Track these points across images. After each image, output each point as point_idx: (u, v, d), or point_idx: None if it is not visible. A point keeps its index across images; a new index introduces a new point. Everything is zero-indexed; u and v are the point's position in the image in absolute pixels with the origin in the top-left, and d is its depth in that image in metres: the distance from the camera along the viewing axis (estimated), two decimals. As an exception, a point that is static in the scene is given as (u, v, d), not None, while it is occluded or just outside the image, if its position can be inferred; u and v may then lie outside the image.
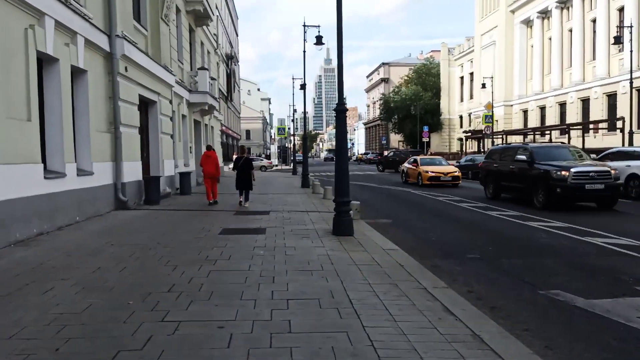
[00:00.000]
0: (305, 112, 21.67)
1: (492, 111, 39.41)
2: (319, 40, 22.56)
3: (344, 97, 8.86)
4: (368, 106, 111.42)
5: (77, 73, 10.27)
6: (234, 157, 25.91)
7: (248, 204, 13.13)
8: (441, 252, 7.80)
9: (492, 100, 41.79)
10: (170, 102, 17.07)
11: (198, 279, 5.39)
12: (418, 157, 24.61)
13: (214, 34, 30.53)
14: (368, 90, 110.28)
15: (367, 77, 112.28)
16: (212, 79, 24.50)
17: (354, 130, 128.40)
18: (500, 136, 42.95)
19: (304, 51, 24.42)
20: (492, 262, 6.98)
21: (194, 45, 23.39)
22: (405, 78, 78.25)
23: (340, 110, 8.32)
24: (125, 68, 12.16)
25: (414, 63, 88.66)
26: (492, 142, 38.98)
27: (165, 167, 15.90)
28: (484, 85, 42.61)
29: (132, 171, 12.53)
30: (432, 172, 21.58)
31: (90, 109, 10.55)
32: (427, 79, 72.68)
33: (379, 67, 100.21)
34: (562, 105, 43.50)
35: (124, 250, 7.12)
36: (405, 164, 25.06)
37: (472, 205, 13.84)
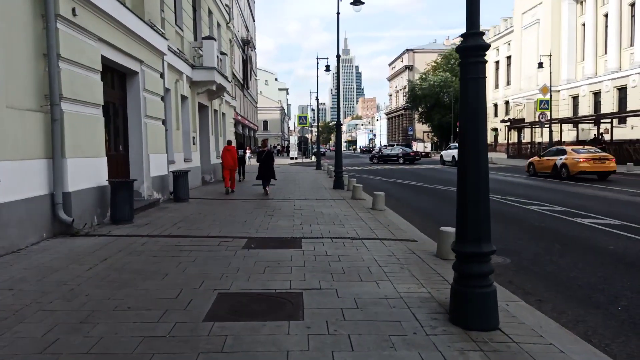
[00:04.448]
0: (338, 91, 16.99)
1: (550, 94, 34.22)
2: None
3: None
4: (390, 95, 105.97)
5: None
6: (247, 150, 24.67)
7: (269, 188, 14.41)
8: None
9: (550, 82, 36.64)
10: (162, 75, 12.57)
11: None
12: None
13: (227, 5, 25.95)
14: (390, 79, 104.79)
15: (390, 65, 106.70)
16: (222, 53, 19.96)
17: (376, 120, 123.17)
18: (557, 124, 37.72)
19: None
20: None
21: (198, 11, 18.86)
22: (433, 64, 73.00)
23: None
24: (74, 10, 7.67)
25: (440, 49, 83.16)
26: (550, 132, 33.76)
27: (152, 164, 11.43)
28: (540, 65, 37.38)
29: (85, 173, 8.06)
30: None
31: (-4, 70, 6.11)
32: (457, 64, 67.17)
33: (403, 54, 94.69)
34: (621, 90, 38.30)
35: None
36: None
37: None
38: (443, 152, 39.62)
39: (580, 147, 23.28)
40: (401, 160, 39.21)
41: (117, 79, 10.57)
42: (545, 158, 22.49)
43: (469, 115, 3.80)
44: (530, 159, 24.61)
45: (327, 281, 5.07)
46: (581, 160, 19.76)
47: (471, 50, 3.74)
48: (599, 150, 21.54)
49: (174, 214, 10.01)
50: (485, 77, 3.83)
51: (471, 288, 3.80)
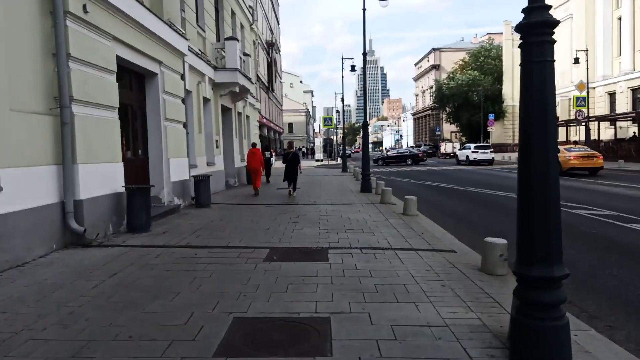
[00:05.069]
0: (365, 90, 16.24)
1: (588, 90, 32.76)
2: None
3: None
4: (417, 95, 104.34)
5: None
6: (271, 152, 24.99)
7: (296, 192, 14.53)
8: None
9: (587, 79, 35.16)
10: (182, 77, 12.14)
11: None
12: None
13: (250, 7, 25.58)
14: (416, 79, 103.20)
15: (416, 64, 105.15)
16: (245, 54, 19.52)
17: (402, 121, 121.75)
18: (594, 121, 36.10)
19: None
20: None
21: (221, 12, 18.46)
22: (461, 63, 71.37)
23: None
24: (85, 7, 7.24)
25: (467, 48, 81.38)
26: (587, 131, 32.25)
27: (173, 169, 10.98)
28: (576, 60, 35.87)
29: (99, 179, 7.61)
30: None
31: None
32: (485, 62, 65.59)
33: (429, 53, 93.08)
34: (635, 91, 36.45)
35: None
36: None
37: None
38: (458, 152, 41.39)
39: (572, 146, 25.42)
40: (409, 162, 39.42)
41: (135, 81, 10.16)
42: None
43: (534, 107, 3.10)
44: None
45: (358, 302, 4.42)
46: (571, 157, 21.85)
47: (536, 27, 3.04)
48: (588, 149, 23.84)
49: (194, 221, 9.51)
50: (554, 60, 3.12)
51: (538, 320, 3.10)
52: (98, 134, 7.65)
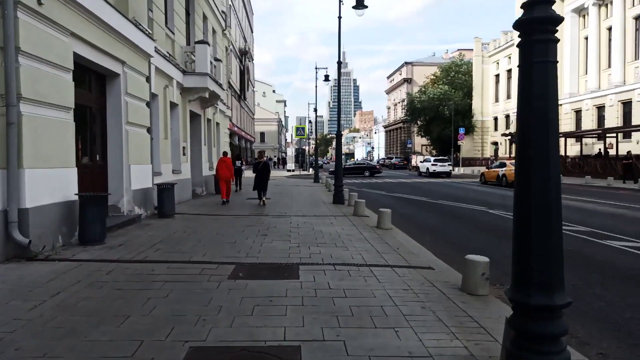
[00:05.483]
0: (339, 98, 15.85)
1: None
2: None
3: None
4: (389, 108, 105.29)
5: None
6: (242, 162, 24.53)
7: (266, 202, 14.43)
8: None
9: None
10: (148, 79, 11.52)
11: None
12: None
13: (223, 12, 25.04)
14: (389, 92, 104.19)
15: (388, 77, 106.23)
16: (217, 59, 18.98)
17: (374, 133, 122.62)
18: (561, 137, 36.89)
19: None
20: None
21: (192, 15, 17.88)
22: (432, 77, 72.39)
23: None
24: (38, -2, 6.64)
25: (439, 62, 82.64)
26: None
27: (134, 176, 10.32)
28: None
29: (49, 186, 6.95)
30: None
31: None
32: (456, 77, 66.66)
33: (401, 66, 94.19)
34: (626, 104, 37.58)
35: None
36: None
37: None
38: (420, 164, 44.89)
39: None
40: (367, 173, 40.66)
41: (95, 81, 9.51)
42: (492, 169, 27.74)
43: (535, 115, 2.75)
44: (482, 170, 29.88)
45: (331, 328, 3.97)
46: None
47: (540, 23, 2.69)
48: None
49: (155, 233, 8.87)
50: (557, 62, 2.78)
51: (537, 354, 2.72)
52: (49, 136, 7.00)
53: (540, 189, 2.72)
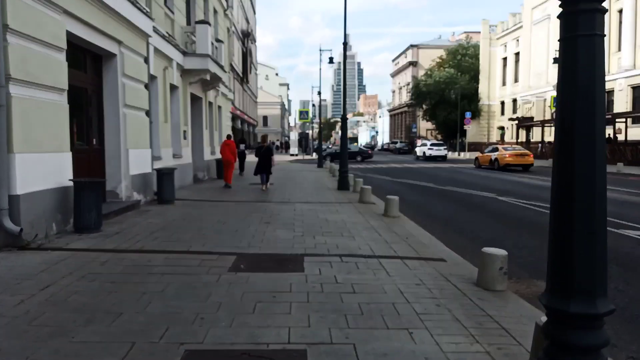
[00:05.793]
0: (344, 80, 15.40)
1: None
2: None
3: None
4: (393, 92, 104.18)
5: None
6: (245, 145, 24.51)
7: (269, 188, 14.20)
8: None
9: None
10: (146, 60, 11.12)
11: None
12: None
13: (224, -8, 24.42)
14: (394, 75, 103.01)
15: (393, 61, 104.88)
16: (218, 40, 18.49)
17: (378, 117, 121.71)
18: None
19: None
20: None
21: (193, -6, 17.37)
22: (438, 60, 71.39)
23: None
24: (26, -29, 6.23)
25: (445, 45, 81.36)
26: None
27: (132, 160, 9.99)
28: (555, 60, 35.89)
29: (42, 171, 6.62)
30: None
31: None
32: (462, 60, 65.63)
33: (407, 49, 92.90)
34: (636, 89, 36.90)
35: None
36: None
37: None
38: (417, 149, 46.52)
39: (509, 145, 29.81)
40: (359, 158, 40.43)
41: (90, 62, 9.13)
42: (486, 154, 29.00)
43: (579, 95, 2.37)
44: (477, 155, 31.06)
45: (340, 329, 3.65)
46: (507, 155, 25.88)
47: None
48: (522, 149, 28.22)
49: (154, 220, 8.57)
50: (605, 35, 2.40)
51: (576, 369, 2.39)
52: (41, 119, 6.65)
53: (585, 182, 2.37)
